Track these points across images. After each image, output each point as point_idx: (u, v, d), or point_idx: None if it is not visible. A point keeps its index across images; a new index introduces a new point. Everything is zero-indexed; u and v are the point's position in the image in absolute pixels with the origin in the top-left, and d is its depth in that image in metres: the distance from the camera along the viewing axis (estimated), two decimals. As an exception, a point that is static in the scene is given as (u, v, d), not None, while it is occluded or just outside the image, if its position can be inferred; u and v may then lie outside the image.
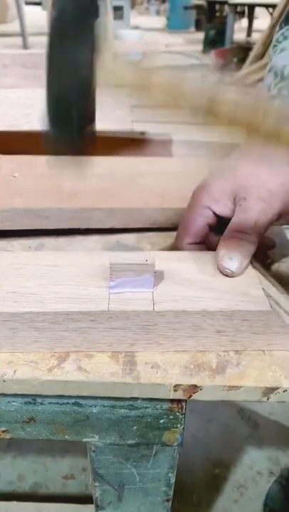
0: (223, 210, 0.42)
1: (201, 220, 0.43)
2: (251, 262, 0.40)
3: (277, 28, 0.47)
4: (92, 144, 0.34)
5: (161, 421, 0.36)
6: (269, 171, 0.41)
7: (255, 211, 0.39)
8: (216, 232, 0.43)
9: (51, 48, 0.30)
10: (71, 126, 0.32)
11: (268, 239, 0.44)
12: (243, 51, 4.57)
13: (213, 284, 0.37)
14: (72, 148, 0.33)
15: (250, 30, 5.27)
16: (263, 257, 0.42)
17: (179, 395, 0.33)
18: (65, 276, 0.37)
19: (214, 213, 0.42)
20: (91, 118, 0.33)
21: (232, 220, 0.41)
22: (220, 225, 0.43)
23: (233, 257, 0.38)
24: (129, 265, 0.35)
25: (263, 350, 0.35)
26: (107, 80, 0.31)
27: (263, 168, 0.41)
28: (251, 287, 0.37)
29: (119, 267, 0.35)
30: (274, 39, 0.47)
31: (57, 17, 0.29)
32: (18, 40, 4.46)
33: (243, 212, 0.40)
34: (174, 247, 0.44)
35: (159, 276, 0.37)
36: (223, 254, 0.38)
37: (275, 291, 0.38)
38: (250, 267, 0.39)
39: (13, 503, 0.92)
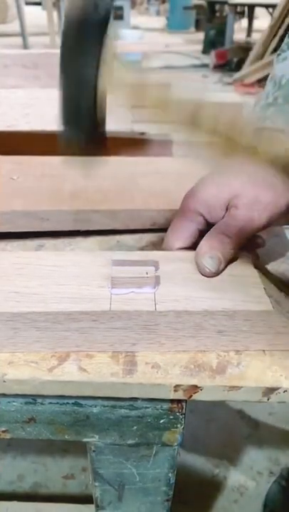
0: (215, 218, 0.42)
1: (193, 226, 0.43)
2: (253, 262, 0.40)
3: (286, 37, 0.48)
4: (102, 144, 0.35)
5: (162, 421, 0.36)
6: (264, 184, 0.41)
7: (242, 220, 0.40)
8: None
9: (62, 58, 0.32)
10: (82, 127, 0.34)
11: (257, 237, 0.44)
12: (243, 51, 4.58)
13: (215, 284, 0.37)
14: (84, 148, 0.35)
15: (250, 30, 5.27)
16: (253, 257, 0.43)
17: (179, 395, 0.33)
18: (66, 277, 0.37)
19: (205, 220, 0.43)
20: (100, 121, 0.34)
21: (218, 223, 0.41)
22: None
23: (214, 257, 0.38)
24: (130, 278, 0.36)
25: (264, 350, 0.35)
26: (110, 85, 0.33)
27: (258, 181, 0.41)
28: (253, 287, 0.37)
29: (121, 280, 0.35)
30: (281, 47, 0.47)
31: (66, 28, 0.31)
32: (18, 40, 4.46)
33: (231, 218, 0.41)
34: (163, 249, 0.44)
35: (160, 277, 0.37)
36: (205, 252, 0.39)
37: (276, 291, 0.38)
38: (251, 266, 0.39)
39: (13, 503, 0.92)
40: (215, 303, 0.35)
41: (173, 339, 0.35)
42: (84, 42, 0.31)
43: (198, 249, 0.40)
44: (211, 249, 0.39)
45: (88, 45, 0.31)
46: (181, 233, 0.43)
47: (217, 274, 0.39)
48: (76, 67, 0.32)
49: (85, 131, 0.34)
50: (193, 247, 0.42)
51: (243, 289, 0.37)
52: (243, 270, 0.39)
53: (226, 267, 0.39)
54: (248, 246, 0.42)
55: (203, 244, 0.40)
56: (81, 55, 0.31)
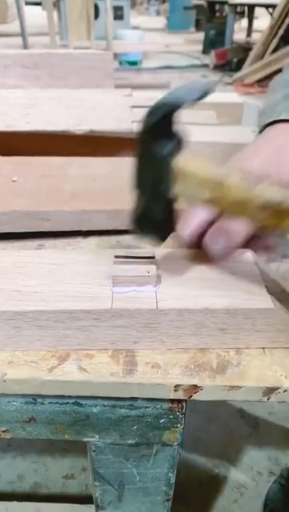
0: None
1: (204, 214, 0.42)
2: (254, 261, 0.40)
3: None
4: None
5: (162, 421, 0.36)
6: (279, 171, 0.41)
7: None
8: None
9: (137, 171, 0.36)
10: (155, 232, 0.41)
11: (268, 240, 0.44)
12: (243, 51, 4.57)
13: (216, 283, 0.37)
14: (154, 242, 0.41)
15: (250, 30, 5.26)
16: (254, 256, 0.42)
17: (179, 395, 0.33)
18: (68, 275, 0.37)
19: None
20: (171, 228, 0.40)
21: None
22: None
23: (224, 238, 0.38)
24: (131, 277, 0.36)
25: (264, 349, 0.35)
26: (184, 193, 0.37)
27: (273, 167, 0.41)
28: (254, 285, 0.37)
29: (122, 279, 0.35)
30: None
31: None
32: (18, 40, 4.45)
33: None
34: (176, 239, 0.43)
35: (161, 275, 0.37)
36: (215, 231, 0.39)
37: (277, 290, 0.38)
38: (252, 265, 0.39)
39: (13, 503, 0.92)
40: (216, 301, 0.35)
41: (174, 337, 0.35)
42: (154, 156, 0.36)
43: (209, 231, 0.39)
44: (220, 230, 0.38)
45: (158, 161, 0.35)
46: (192, 220, 0.42)
47: (225, 257, 0.38)
48: (150, 180, 0.37)
49: (157, 235, 0.41)
50: (203, 235, 0.41)
51: (244, 287, 0.37)
52: (245, 268, 0.39)
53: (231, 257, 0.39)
54: (255, 245, 0.41)
55: (215, 225, 0.39)
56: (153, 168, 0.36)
